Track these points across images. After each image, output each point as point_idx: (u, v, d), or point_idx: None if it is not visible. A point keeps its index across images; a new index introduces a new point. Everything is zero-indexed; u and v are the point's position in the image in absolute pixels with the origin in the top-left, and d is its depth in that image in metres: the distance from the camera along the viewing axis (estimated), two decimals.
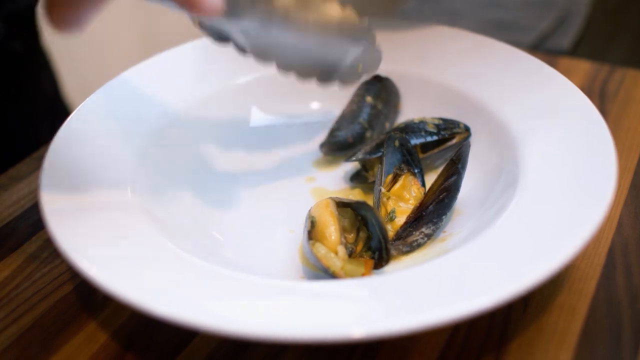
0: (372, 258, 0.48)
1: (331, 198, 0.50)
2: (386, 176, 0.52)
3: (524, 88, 0.56)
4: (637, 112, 0.65)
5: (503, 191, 0.49)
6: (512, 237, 0.43)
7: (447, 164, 0.50)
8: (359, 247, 0.48)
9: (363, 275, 0.46)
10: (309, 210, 0.50)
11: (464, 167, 0.50)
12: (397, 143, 0.53)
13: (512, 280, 0.39)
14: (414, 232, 0.48)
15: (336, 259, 0.46)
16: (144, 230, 0.46)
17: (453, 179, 0.49)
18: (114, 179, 0.50)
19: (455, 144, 0.55)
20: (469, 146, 0.51)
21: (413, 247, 0.49)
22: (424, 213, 0.49)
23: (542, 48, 1.02)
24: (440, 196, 0.49)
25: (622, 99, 0.67)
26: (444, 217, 0.49)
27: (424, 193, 0.51)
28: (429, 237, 0.49)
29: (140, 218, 0.47)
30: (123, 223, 0.47)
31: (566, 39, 1.06)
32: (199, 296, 0.41)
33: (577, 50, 1.04)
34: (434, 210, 0.49)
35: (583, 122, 0.50)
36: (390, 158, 0.52)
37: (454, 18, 1.10)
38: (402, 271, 0.44)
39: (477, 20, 1.10)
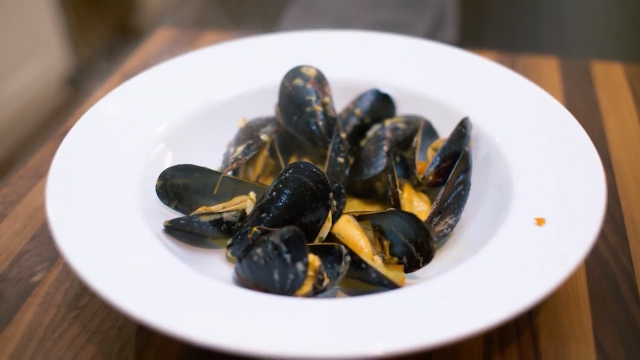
0: (401, 263, 0.51)
1: (349, 213, 0.53)
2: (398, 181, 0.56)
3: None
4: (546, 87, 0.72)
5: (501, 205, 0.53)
6: (511, 254, 0.47)
7: (458, 162, 0.55)
8: (387, 254, 0.52)
9: (402, 280, 0.49)
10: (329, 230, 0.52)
11: (470, 164, 0.55)
12: (398, 159, 0.58)
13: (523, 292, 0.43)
14: (440, 222, 0.53)
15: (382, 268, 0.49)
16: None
17: (466, 175, 0.55)
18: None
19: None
20: (470, 145, 0.57)
21: (440, 238, 0.53)
22: (445, 204, 0.53)
23: None
24: (458, 189, 0.54)
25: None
26: (462, 208, 0.54)
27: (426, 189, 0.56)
28: (452, 227, 0.53)
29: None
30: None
31: (449, 33, 1.16)
32: (202, 309, 0.43)
33: (463, 42, 1.14)
34: (453, 202, 0.54)
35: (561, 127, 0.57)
36: (397, 170, 0.57)
37: (345, 22, 1.15)
38: (427, 283, 0.46)
39: (365, 21, 1.16)
